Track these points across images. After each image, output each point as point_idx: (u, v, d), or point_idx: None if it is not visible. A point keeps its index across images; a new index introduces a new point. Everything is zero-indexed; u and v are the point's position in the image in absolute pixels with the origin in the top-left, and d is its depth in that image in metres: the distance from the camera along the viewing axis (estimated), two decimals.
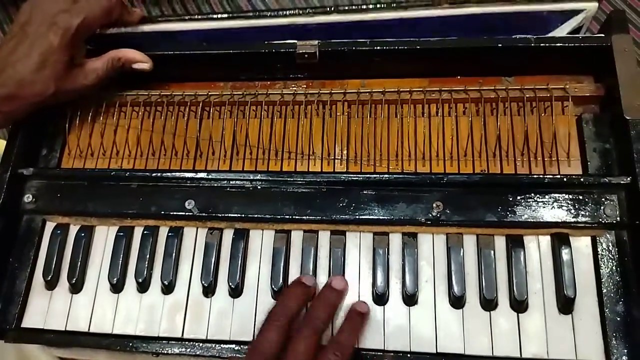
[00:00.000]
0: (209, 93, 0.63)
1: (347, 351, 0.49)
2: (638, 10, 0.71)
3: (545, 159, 0.56)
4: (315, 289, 0.54)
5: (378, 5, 0.60)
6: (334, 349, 0.49)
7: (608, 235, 0.52)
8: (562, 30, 0.59)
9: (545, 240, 0.54)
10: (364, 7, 0.60)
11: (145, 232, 0.59)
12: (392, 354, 0.52)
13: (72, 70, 0.57)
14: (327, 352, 0.48)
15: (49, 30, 0.55)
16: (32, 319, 0.58)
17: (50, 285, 0.59)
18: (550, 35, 0.59)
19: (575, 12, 0.58)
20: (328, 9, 0.61)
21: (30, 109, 0.57)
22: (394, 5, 0.60)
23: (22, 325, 0.58)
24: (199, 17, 0.64)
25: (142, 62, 0.61)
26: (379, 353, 0.52)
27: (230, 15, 0.63)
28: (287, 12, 0.61)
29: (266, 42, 0.61)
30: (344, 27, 0.60)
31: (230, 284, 0.55)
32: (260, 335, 0.49)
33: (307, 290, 0.53)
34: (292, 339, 0.48)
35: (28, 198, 0.61)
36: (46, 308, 0.58)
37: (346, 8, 0.61)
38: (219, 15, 0.63)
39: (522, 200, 0.53)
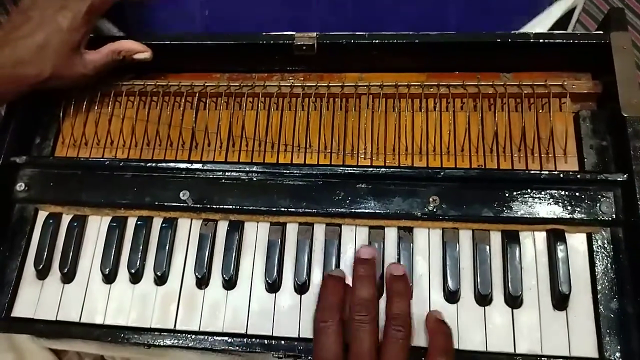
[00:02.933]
0: (206, 84, 0.62)
1: (407, 321, 0.48)
2: (635, 10, 0.71)
3: (542, 155, 0.56)
4: (346, 277, 0.52)
5: None
6: (394, 325, 0.47)
7: (603, 232, 0.53)
8: (557, 8, 0.58)
9: (541, 236, 0.54)
10: None
11: (138, 222, 0.58)
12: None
13: (72, 57, 0.56)
14: (389, 331, 0.47)
15: (57, 13, 0.54)
16: (22, 309, 0.57)
17: (42, 274, 0.58)
18: (544, 13, 0.59)
19: None
20: None
21: (23, 91, 0.56)
22: None
23: (12, 315, 0.57)
24: None
25: (142, 52, 0.61)
26: None
27: None
28: None
29: (264, 34, 0.60)
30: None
31: (224, 275, 0.55)
32: (317, 346, 0.47)
33: (341, 282, 0.51)
34: (351, 335, 0.47)
35: (20, 186, 0.60)
36: (37, 298, 0.57)
37: None
38: None
39: (519, 196, 0.53)
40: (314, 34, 0.59)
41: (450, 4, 0.59)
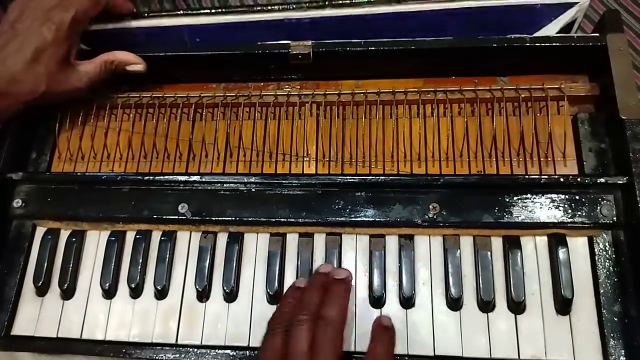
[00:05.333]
0: (202, 94, 0.62)
1: (338, 326, 0.47)
2: (631, 11, 0.71)
3: (541, 159, 0.56)
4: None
5: None
6: (322, 325, 0.46)
7: (605, 236, 0.52)
8: (555, 24, 0.58)
9: (542, 241, 0.53)
10: (358, 0, 0.59)
11: (137, 236, 0.58)
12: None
13: (65, 71, 0.56)
14: (318, 329, 0.46)
15: (42, 25, 0.54)
16: (22, 326, 0.57)
17: (41, 291, 0.58)
18: (544, 29, 0.59)
19: (569, 5, 0.58)
20: (321, 2, 0.60)
21: (19, 108, 0.56)
22: None
23: (12, 333, 0.57)
24: (191, 12, 0.63)
25: (135, 63, 0.60)
26: None
27: (222, 10, 0.62)
28: (280, 7, 0.60)
29: (259, 43, 0.60)
30: (338, 22, 0.60)
31: (225, 288, 0.55)
32: (262, 346, 0.47)
33: (303, 292, 0.51)
34: (290, 332, 0.46)
35: (17, 203, 0.60)
36: (37, 315, 0.57)
37: (340, 2, 0.60)
38: (211, 10, 0.62)
39: (519, 201, 0.53)
40: (309, 43, 0.59)
41: (449, 23, 0.58)
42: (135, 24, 0.63)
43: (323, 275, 0.52)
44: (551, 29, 0.58)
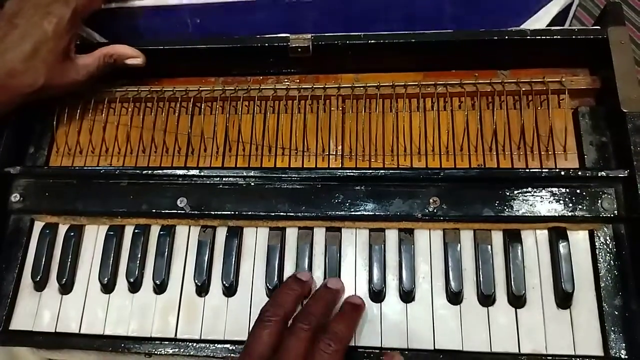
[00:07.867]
0: (200, 88, 0.62)
1: (342, 343, 0.47)
2: (632, 5, 0.71)
3: (542, 153, 0.56)
4: (312, 284, 0.53)
5: None
6: (327, 338, 0.46)
7: (605, 229, 0.52)
8: (549, 9, 0.58)
9: (543, 235, 0.53)
10: None
11: (136, 230, 0.58)
12: (389, 351, 0.51)
13: (64, 64, 0.56)
14: (319, 343, 0.46)
15: (42, 19, 0.53)
16: (20, 321, 0.57)
17: (39, 286, 0.57)
18: (535, 16, 0.59)
19: None
20: None
21: (18, 102, 0.55)
22: None
23: (10, 328, 0.56)
24: None
25: (134, 57, 0.60)
26: (375, 350, 0.51)
27: None
28: None
29: (258, 37, 0.59)
30: (340, 1, 0.59)
31: (224, 282, 0.54)
32: (252, 335, 0.47)
33: (302, 286, 0.51)
34: (285, 336, 0.46)
35: (15, 197, 0.59)
36: (35, 309, 0.57)
37: None
38: None
39: (519, 195, 0.53)
40: (309, 36, 0.58)
41: (446, 4, 0.58)
42: (135, 3, 0.62)
43: (331, 292, 0.51)
44: (544, 17, 0.58)
